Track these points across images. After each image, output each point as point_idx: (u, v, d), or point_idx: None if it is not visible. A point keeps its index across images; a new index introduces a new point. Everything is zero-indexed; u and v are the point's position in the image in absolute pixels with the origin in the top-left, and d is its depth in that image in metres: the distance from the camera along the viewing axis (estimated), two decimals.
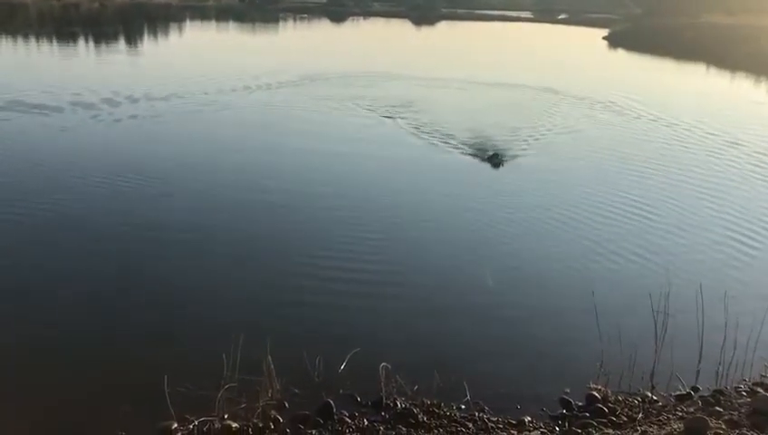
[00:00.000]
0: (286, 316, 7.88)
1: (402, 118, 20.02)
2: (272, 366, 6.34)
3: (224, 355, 6.16)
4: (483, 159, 15.46)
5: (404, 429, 5.96)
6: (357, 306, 8.25)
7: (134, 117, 18.49)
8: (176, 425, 5.81)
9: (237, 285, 8.63)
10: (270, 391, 6.31)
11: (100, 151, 14.86)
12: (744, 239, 11.32)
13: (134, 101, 20.56)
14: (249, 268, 9.17)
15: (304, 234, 10.64)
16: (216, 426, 5.82)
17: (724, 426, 5.88)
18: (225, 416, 5.97)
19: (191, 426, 5.80)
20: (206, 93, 22.47)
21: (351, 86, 25.72)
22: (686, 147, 18.42)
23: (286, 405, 6.28)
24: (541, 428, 6.08)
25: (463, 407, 6.40)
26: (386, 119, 20.03)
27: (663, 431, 5.84)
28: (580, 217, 11.99)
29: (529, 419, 6.22)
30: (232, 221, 10.94)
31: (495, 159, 15.20)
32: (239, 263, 9.31)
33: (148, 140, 16.18)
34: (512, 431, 5.99)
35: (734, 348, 7.15)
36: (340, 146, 16.58)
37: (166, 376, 5.82)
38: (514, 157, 15.88)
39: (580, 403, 6.54)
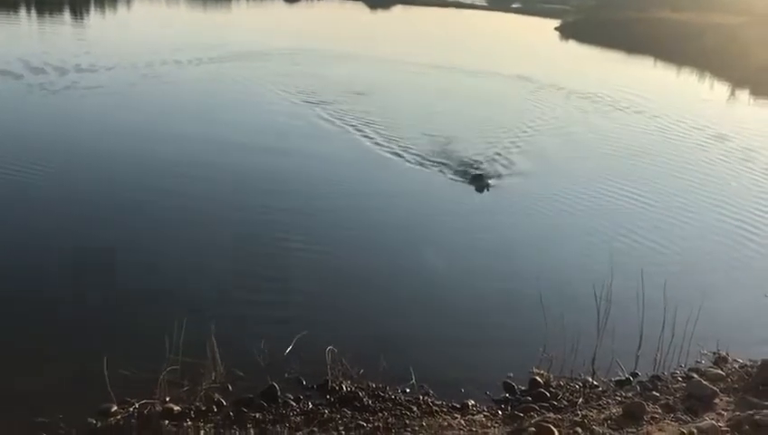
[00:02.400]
0: (231, 299, 7.77)
1: (350, 115, 17.70)
2: (215, 349, 6.26)
3: (166, 338, 6.04)
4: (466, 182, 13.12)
5: (349, 412, 5.96)
6: (304, 290, 8.20)
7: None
8: (115, 408, 5.71)
9: (180, 268, 8.48)
10: (213, 373, 6.23)
11: None
12: (683, 226, 11.69)
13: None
14: (193, 251, 9.00)
15: (249, 216, 10.50)
16: (158, 409, 5.73)
17: (660, 410, 6.06)
18: (167, 399, 5.87)
19: (131, 409, 5.69)
20: (135, 67, 21.91)
21: (295, 66, 25.28)
22: (658, 138, 18.78)
23: (230, 388, 6.21)
24: (484, 411, 6.16)
25: (408, 390, 6.44)
26: (322, 115, 17.67)
27: (602, 416, 5.98)
28: (525, 205, 12.14)
29: (473, 402, 6.30)
30: (174, 202, 10.72)
31: (480, 182, 12.82)
32: (182, 246, 9.15)
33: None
34: (455, 415, 6.04)
35: (672, 335, 7.33)
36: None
37: (105, 358, 5.68)
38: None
39: (522, 388, 6.65)
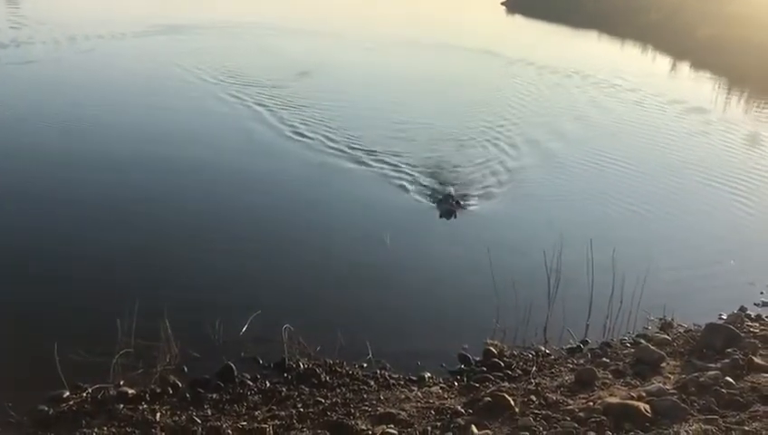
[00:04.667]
0: (182, 282, 7.63)
1: (286, 104, 16.07)
2: (169, 331, 6.19)
3: (118, 321, 5.96)
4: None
5: (307, 389, 5.97)
6: (256, 270, 8.17)
7: None
8: (68, 393, 5.59)
9: (130, 251, 8.26)
10: (168, 356, 6.16)
11: None
12: (631, 196, 11.99)
13: None
14: (143, 233, 8.79)
15: (199, 196, 10.34)
16: (112, 393, 5.64)
17: (610, 376, 6.23)
18: (121, 383, 5.79)
19: (84, 394, 5.59)
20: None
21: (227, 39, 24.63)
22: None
23: (185, 370, 6.14)
24: (440, 383, 6.24)
25: (365, 366, 6.48)
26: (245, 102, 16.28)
27: (555, 383, 6.12)
28: (475, 177, 12.23)
29: (429, 375, 6.37)
30: (128, 183, 10.48)
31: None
32: (133, 227, 8.94)
33: None
34: (412, 387, 6.11)
35: (621, 303, 7.54)
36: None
37: (56, 343, 5.57)
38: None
39: (477, 358, 6.76)
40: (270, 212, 10.00)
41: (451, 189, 11.11)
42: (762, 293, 8.58)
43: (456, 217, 10.13)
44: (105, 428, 5.19)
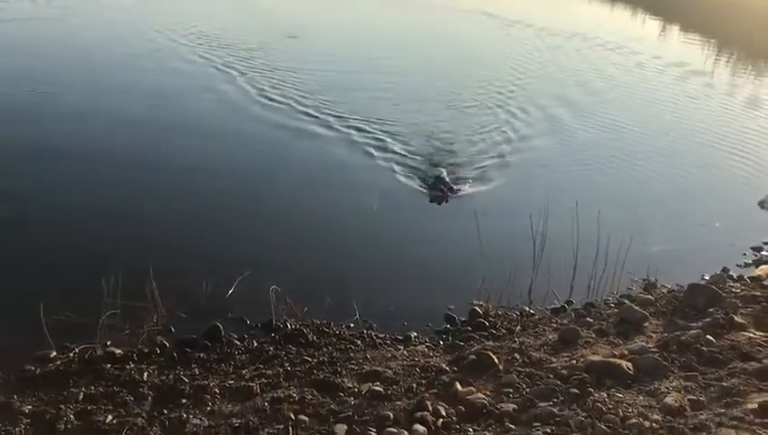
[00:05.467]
0: (169, 244, 7.59)
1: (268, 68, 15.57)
2: (156, 292, 6.20)
3: (103, 282, 5.94)
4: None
5: (294, 348, 6.01)
6: (244, 232, 8.14)
7: None
8: (54, 354, 5.60)
9: (115, 212, 8.19)
10: (155, 316, 6.19)
11: None
12: (625, 158, 12.08)
13: None
14: (127, 194, 8.70)
15: (186, 155, 10.26)
16: (99, 353, 5.65)
17: (593, 335, 6.32)
18: (108, 343, 5.80)
19: (71, 354, 5.60)
20: None
21: None
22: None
23: (172, 330, 6.16)
24: (426, 342, 6.31)
25: (352, 326, 6.52)
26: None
27: (539, 342, 6.21)
28: (463, 139, 12.20)
29: (415, 334, 6.43)
30: (112, 143, 10.36)
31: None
32: (117, 188, 8.84)
33: None
34: (398, 347, 6.17)
35: (605, 264, 7.60)
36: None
37: (41, 304, 5.55)
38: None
39: (463, 319, 6.83)
40: (257, 178, 9.92)
41: (443, 171, 10.40)
42: (744, 254, 8.70)
43: (447, 201, 9.69)
44: (92, 387, 5.21)
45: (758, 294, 7.11)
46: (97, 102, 12.26)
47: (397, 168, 10.63)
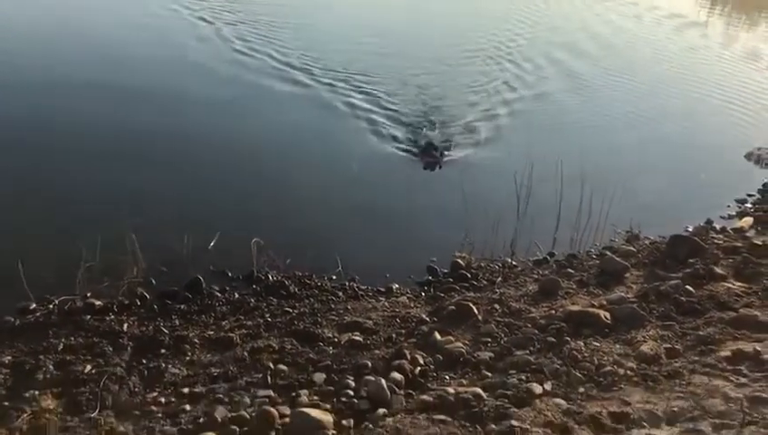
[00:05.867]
0: (150, 197, 7.47)
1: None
2: (136, 244, 6.15)
3: (83, 235, 5.91)
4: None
5: (275, 300, 6.01)
6: (225, 186, 8.06)
7: None
8: (34, 305, 5.59)
9: (96, 165, 8.04)
10: (135, 269, 6.15)
11: None
12: (617, 110, 12.12)
13: None
14: (108, 148, 8.53)
15: (167, 113, 10.10)
16: (79, 305, 5.64)
17: (574, 286, 6.36)
18: (88, 294, 5.79)
19: (51, 306, 5.59)
20: None
21: None
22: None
23: (153, 282, 6.14)
24: (407, 294, 6.32)
25: (334, 278, 6.52)
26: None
27: (519, 293, 6.24)
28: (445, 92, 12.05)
29: (397, 286, 6.44)
30: (90, 98, 10.15)
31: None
32: (98, 141, 8.68)
33: None
34: (380, 298, 6.19)
35: (589, 217, 7.59)
36: None
37: (19, 257, 5.53)
38: None
39: (445, 270, 6.83)
40: (242, 134, 9.68)
41: (432, 136, 10.06)
42: (728, 206, 8.71)
43: (440, 167, 9.34)
44: (72, 338, 5.21)
45: (740, 245, 7.14)
46: (68, 64, 11.93)
47: (384, 126, 10.48)
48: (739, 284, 6.13)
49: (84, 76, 10.89)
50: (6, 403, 4.40)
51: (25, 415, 4.26)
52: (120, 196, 7.33)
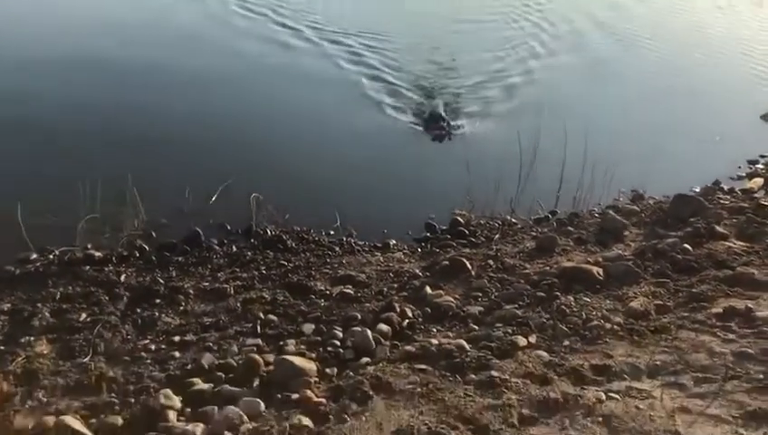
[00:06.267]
0: (154, 151, 7.49)
1: None
2: (137, 198, 6.22)
3: (85, 187, 5.97)
4: None
5: (272, 253, 6.06)
6: (230, 141, 8.04)
7: None
8: (35, 256, 5.69)
9: (99, 117, 8.10)
10: (136, 221, 6.23)
11: None
12: (627, 70, 11.85)
13: None
14: (110, 101, 8.55)
15: (172, 60, 10.11)
16: (78, 255, 5.74)
17: (572, 243, 6.31)
18: (88, 246, 5.88)
19: (51, 256, 5.69)
20: None
21: None
22: None
23: (153, 235, 6.22)
24: (404, 249, 6.33)
25: (332, 233, 6.55)
26: None
27: (516, 249, 6.22)
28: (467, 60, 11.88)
29: (394, 242, 6.45)
30: (92, 46, 10.20)
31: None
32: (100, 92, 8.73)
33: None
34: (376, 253, 6.21)
35: (593, 177, 7.42)
36: None
37: (20, 207, 5.61)
38: None
39: (444, 227, 6.82)
40: (245, 91, 9.66)
41: (439, 106, 9.56)
42: (739, 167, 8.54)
43: (450, 138, 8.92)
44: (70, 287, 5.31)
45: (746, 205, 7.03)
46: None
47: (391, 88, 10.34)
48: (741, 243, 6.04)
49: (85, 25, 10.93)
50: (2, 348, 4.51)
51: (19, 359, 4.36)
52: (122, 149, 7.37)
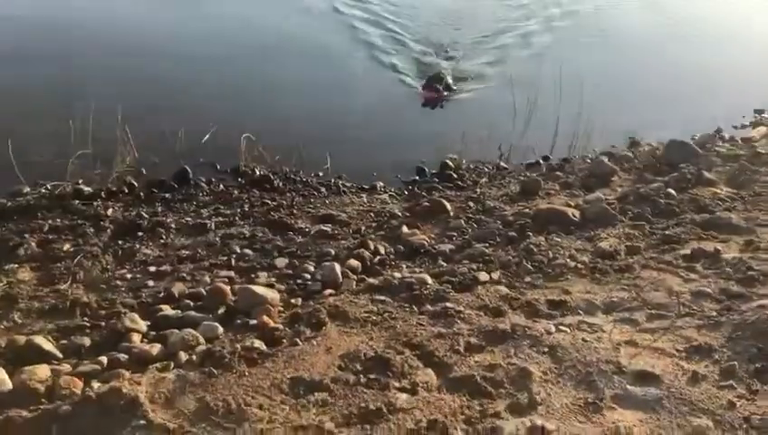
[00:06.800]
0: (148, 91, 7.64)
1: None
2: (129, 135, 6.35)
3: (76, 124, 6.11)
4: None
5: (258, 192, 6.17)
6: (225, 84, 8.16)
7: None
8: (27, 189, 5.87)
9: (95, 54, 8.26)
10: (127, 158, 6.38)
11: None
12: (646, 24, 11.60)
13: None
14: (109, 37, 8.73)
15: (175, 18, 10.13)
16: (69, 190, 5.89)
17: (557, 187, 6.31)
18: (79, 181, 6.03)
19: (42, 190, 5.86)
20: None
21: None
22: None
23: (143, 172, 6.37)
24: (390, 192, 6.38)
25: (321, 174, 6.63)
26: None
27: (500, 193, 6.24)
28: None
29: (381, 184, 6.50)
30: None
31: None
32: (98, 29, 8.89)
33: None
34: (361, 195, 6.27)
35: (593, 125, 7.33)
36: None
37: (9, 141, 5.77)
38: None
39: (434, 171, 6.84)
40: (243, 35, 9.76)
41: (444, 70, 9.10)
42: (743, 117, 8.37)
43: (441, 106, 8.47)
44: (59, 220, 5.48)
45: (742, 153, 6.93)
46: None
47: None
48: (728, 189, 6.01)
49: None
50: None
51: (0, 284, 4.55)
52: (116, 86, 7.50)
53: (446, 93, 8.51)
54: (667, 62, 9.97)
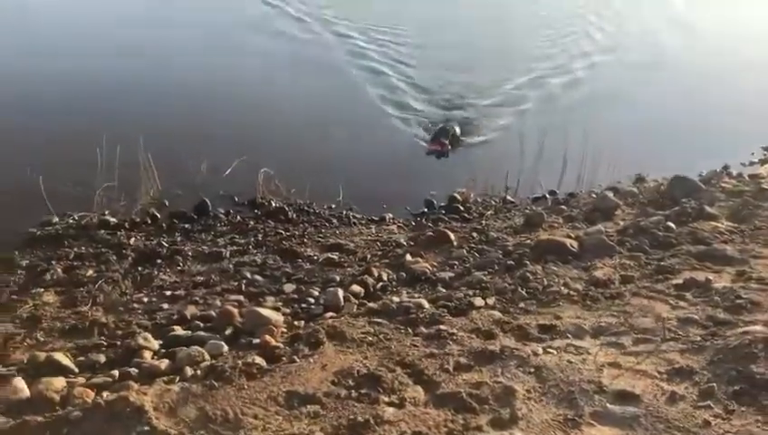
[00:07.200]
0: (172, 126, 8.10)
1: None
2: (153, 168, 6.74)
3: (103, 157, 6.50)
4: None
5: (272, 223, 6.48)
6: (247, 119, 8.57)
7: None
8: (56, 219, 6.24)
9: (121, 90, 8.75)
10: (151, 190, 6.76)
11: None
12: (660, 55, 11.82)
13: None
14: (135, 73, 9.20)
15: (194, 41, 10.68)
16: (94, 221, 6.25)
17: (561, 220, 6.49)
18: (106, 212, 6.40)
19: (70, 220, 6.23)
20: None
21: None
22: None
23: (166, 204, 6.73)
24: (398, 223, 6.63)
25: (333, 206, 6.92)
26: None
27: (504, 224, 6.44)
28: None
29: (390, 216, 6.77)
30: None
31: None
32: (125, 65, 9.38)
33: None
34: (371, 226, 6.54)
35: (598, 161, 7.58)
36: None
37: (46, 178, 6.18)
38: None
39: (442, 204, 7.09)
40: (263, 75, 10.25)
41: (452, 123, 8.98)
42: (753, 154, 8.48)
43: (446, 156, 8.32)
44: (83, 248, 5.84)
45: (747, 189, 7.04)
46: None
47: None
48: (729, 223, 6.11)
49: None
50: (14, 297, 5.04)
51: (27, 306, 4.88)
52: (143, 121, 7.94)
53: (449, 147, 8.33)
54: (683, 96, 10.20)
